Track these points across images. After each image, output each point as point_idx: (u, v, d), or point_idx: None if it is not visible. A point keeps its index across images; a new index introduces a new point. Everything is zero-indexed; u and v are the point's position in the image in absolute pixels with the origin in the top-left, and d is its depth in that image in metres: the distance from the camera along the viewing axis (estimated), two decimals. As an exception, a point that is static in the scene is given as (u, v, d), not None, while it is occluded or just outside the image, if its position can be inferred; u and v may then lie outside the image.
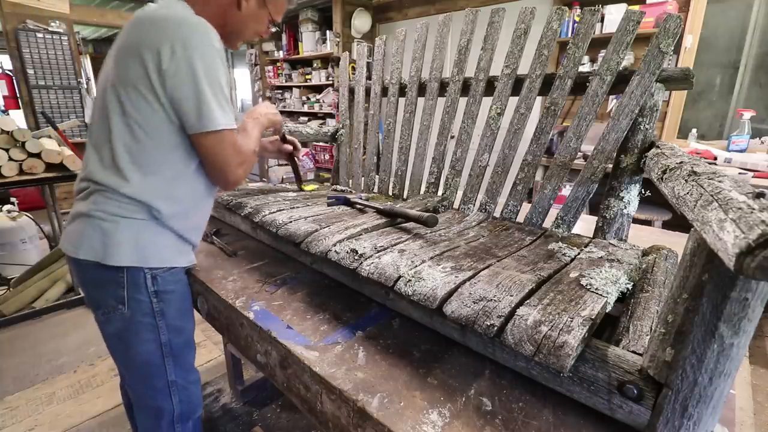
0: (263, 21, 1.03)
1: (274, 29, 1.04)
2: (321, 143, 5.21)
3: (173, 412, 1.02)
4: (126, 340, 0.96)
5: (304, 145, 5.39)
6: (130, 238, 0.89)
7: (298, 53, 5.43)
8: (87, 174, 0.92)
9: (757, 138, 2.77)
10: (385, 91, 1.55)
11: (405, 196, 1.43)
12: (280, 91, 6.04)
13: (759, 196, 0.38)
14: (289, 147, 1.34)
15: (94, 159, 0.91)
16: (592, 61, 3.29)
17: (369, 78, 1.64)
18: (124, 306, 0.92)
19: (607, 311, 0.64)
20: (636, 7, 1.13)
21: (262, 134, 1.10)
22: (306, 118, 5.65)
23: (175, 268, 0.97)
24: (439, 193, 1.35)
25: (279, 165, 5.34)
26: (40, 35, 4.10)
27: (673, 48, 0.94)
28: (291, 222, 1.02)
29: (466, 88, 1.31)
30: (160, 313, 0.95)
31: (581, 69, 1.08)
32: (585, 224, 1.30)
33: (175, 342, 0.99)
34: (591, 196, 1.04)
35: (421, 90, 1.44)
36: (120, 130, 0.87)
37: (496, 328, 0.58)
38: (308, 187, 1.52)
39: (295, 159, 1.38)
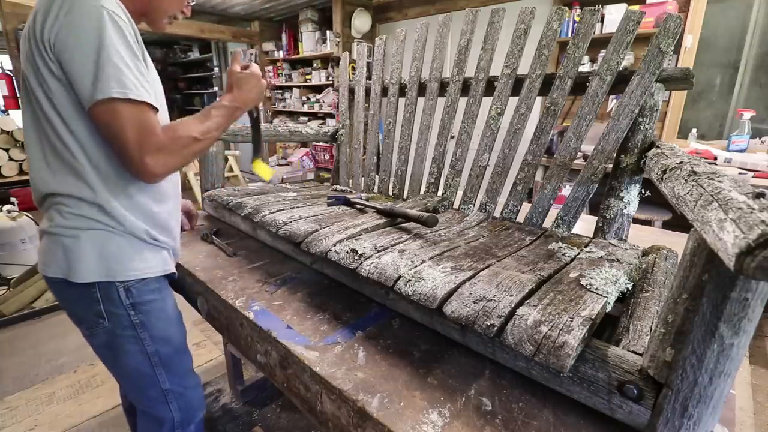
0: None
1: (192, 3, 0.99)
2: (321, 143, 5.21)
3: (173, 419, 1.00)
4: (114, 352, 0.92)
5: (304, 145, 5.39)
6: (93, 252, 0.83)
7: (298, 53, 5.43)
8: (36, 184, 0.84)
9: (757, 138, 2.76)
10: (385, 91, 1.55)
11: (405, 196, 1.43)
12: (280, 91, 6.03)
13: (759, 196, 0.38)
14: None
15: (37, 164, 0.83)
16: (592, 61, 3.29)
17: (369, 78, 1.64)
18: (104, 320, 0.87)
19: (607, 311, 0.64)
20: (636, 7, 1.13)
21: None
22: (306, 118, 5.65)
23: (148, 278, 0.91)
24: (439, 193, 1.35)
25: (279, 165, 5.34)
26: (40, 35, 4.10)
27: (673, 48, 0.94)
28: (291, 222, 1.02)
29: (466, 88, 1.31)
30: (141, 325, 0.90)
31: (581, 69, 1.08)
32: (585, 224, 1.30)
33: (163, 352, 0.95)
34: (591, 196, 1.04)
35: (421, 90, 1.44)
36: (46, 125, 0.79)
37: (496, 328, 0.58)
38: (260, 169, 1.10)
39: (257, 122, 1.14)
